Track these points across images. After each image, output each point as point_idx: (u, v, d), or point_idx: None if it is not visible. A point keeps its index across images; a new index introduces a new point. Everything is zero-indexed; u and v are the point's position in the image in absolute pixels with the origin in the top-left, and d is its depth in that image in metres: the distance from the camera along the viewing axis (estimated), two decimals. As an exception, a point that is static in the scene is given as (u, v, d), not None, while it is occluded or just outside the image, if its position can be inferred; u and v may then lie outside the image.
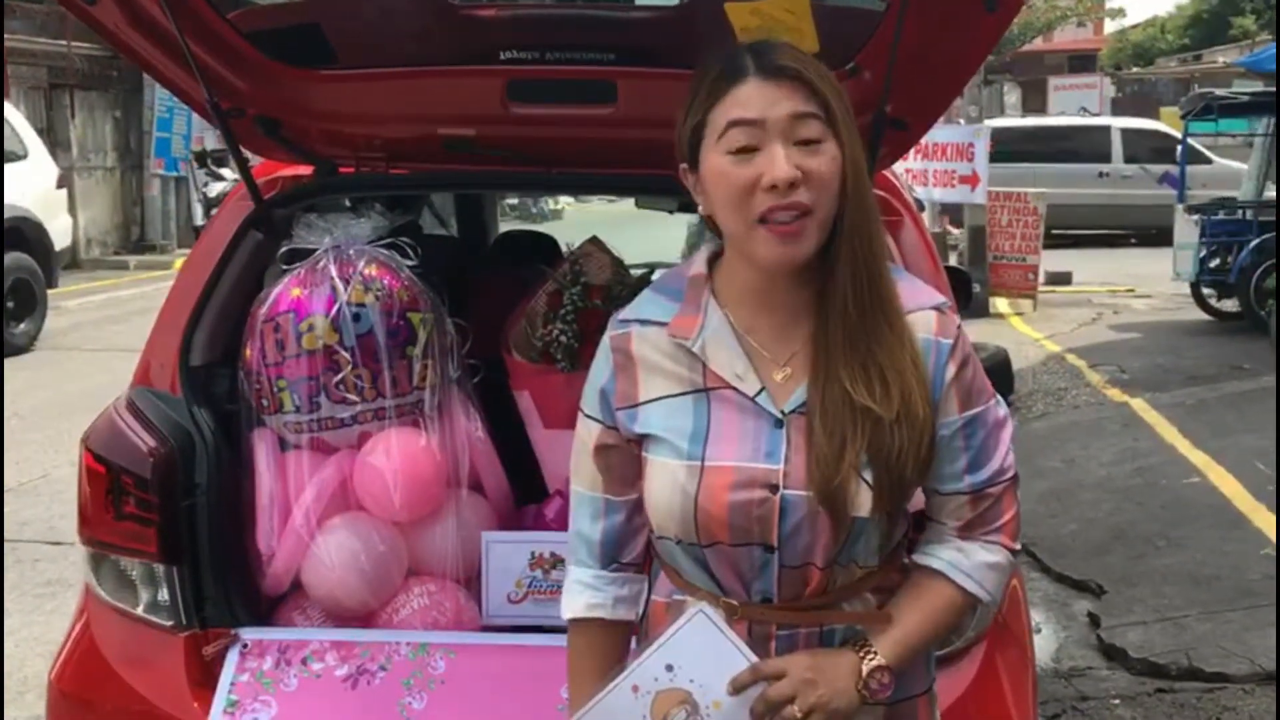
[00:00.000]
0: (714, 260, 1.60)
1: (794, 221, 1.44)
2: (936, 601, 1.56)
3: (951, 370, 1.53)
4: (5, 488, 6.05)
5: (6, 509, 5.73)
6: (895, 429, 1.47)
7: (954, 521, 1.57)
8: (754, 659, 1.50)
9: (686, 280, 1.59)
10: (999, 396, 1.61)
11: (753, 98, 1.45)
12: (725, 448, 1.50)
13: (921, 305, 1.55)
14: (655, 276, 2.88)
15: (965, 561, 1.56)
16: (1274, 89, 10.42)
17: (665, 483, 1.52)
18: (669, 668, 1.51)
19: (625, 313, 1.62)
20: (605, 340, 1.61)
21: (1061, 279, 13.03)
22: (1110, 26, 39.68)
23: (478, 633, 2.37)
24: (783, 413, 1.51)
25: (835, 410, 1.47)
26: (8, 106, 11.57)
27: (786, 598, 1.52)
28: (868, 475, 1.47)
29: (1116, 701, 3.80)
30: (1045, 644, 4.18)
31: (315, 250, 2.46)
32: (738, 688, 1.49)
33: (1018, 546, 1.60)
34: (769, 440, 1.50)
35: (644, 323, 1.58)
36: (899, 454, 1.47)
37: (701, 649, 1.50)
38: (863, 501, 1.47)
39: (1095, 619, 4.37)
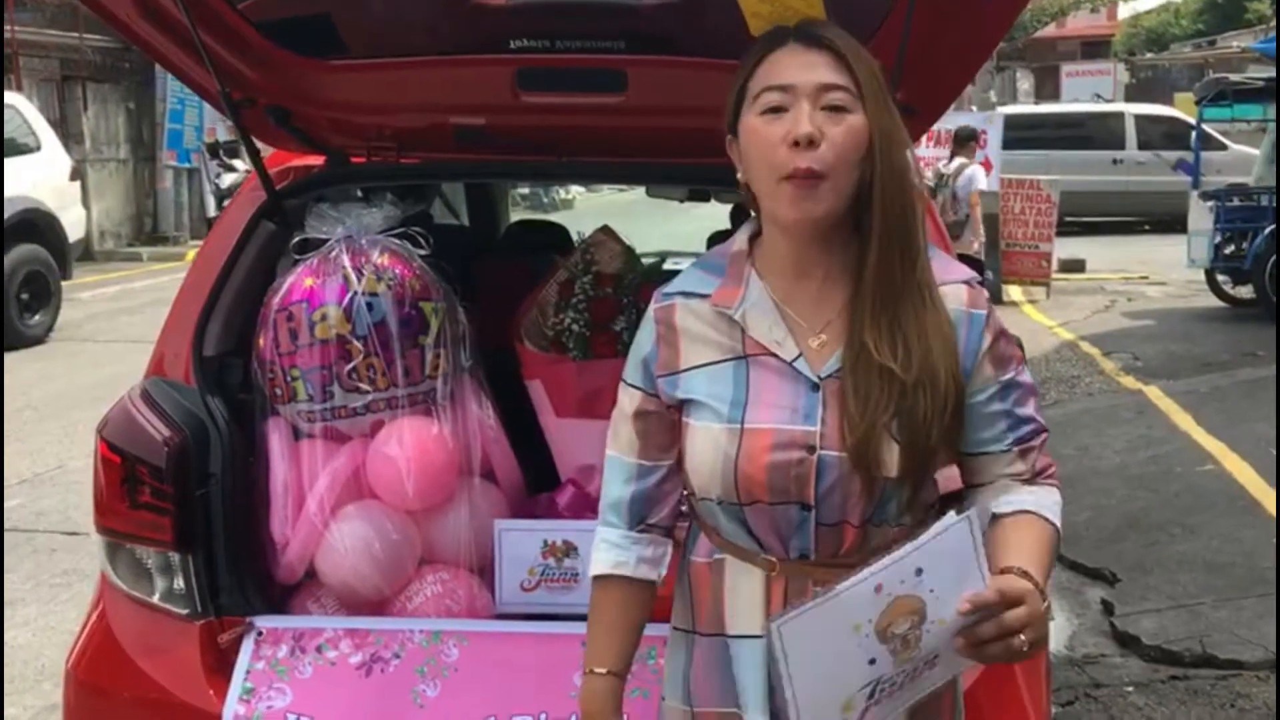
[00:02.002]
0: (754, 239, 1.66)
1: (809, 179, 1.50)
2: (1044, 539, 1.57)
3: (987, 340, 1.59)
4: (21, 479, 6.10)
5: (23, 500, 5.78)
6: (918, 392, 1.52)
7: (1014, 475, 1.63)
8: (991, 579, 1.42)
9: (729, 256, 1.66)
10: (1024, 359, 1.67)
11: (788, 64, 1.54)
12: (764, 411, 1.56)
13: (953, 279, 1.61)
14: (666, 265, 2.88)
15: (1046, 499, 1.62)
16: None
17: (707, 445, 1.58)
18: (919, 571, 1.40)
19: (669, 287, 1.68)
20: (649, 312, 1.68)
21: (1075, 266, 12.98)
22: (1124, 12, 39.47)
23: (491, 620, 2.38)
24: (819, 377, 1.57)
25: (865, 374, 1.53)
26: (21, 99, 11.62)
27: (823, 555, 1.58)
28: (898, 436, 1.52)
29: (1130, 689, 3.80)
30: (1059, 631, 4.17)
31: (328, 240, 2.47)
32: (979, 607, 1.40)
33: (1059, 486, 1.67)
34: (806, 403, 1.56)
35: (687, 295, 1.65)
36: (924, 417, 1.52)
37: (952, 559, 1.41)
38: (892, 462, 1.52)
39: (1109, 606, 4.36)
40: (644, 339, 1.68)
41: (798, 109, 1.51)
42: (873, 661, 1.40)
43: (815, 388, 1.56)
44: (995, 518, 1.62)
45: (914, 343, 1.53)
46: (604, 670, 1.65)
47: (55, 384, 8.38)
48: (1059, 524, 1.61)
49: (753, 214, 1.66)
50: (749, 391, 1.58)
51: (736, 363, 1.60)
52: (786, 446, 1.54)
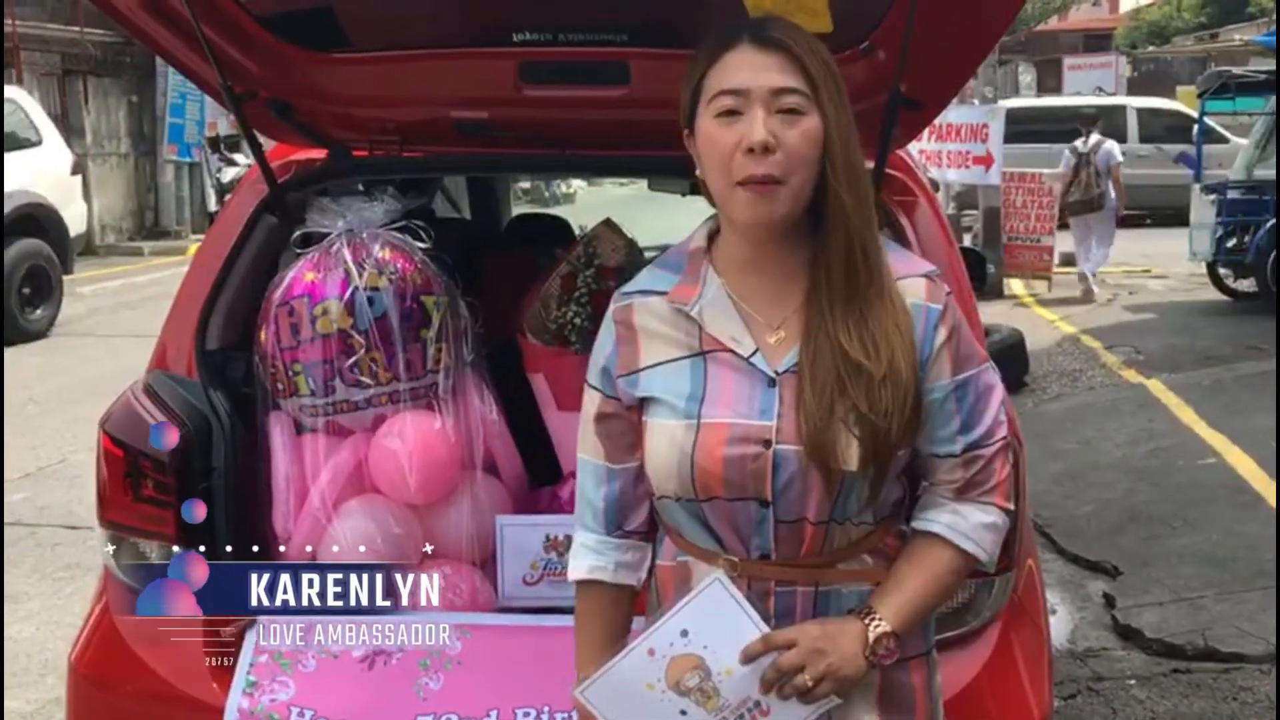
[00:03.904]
0: (713, 236, 1.67)
1: (766, 184, 1.51)
2: (937, 566, 1.61)
3: (942, 334, 1.59)
4: (24, 473, 6.11)
5: (26, 494, 5.78)
6: (881, 386, 1.52)
7: (948, 484, 1.62)
8: (765, 629, 1.55)
9: (687, 254, 1.66)
10: (991, 362, 1.66)
11: (741, 66, 1.54)
12: (721, 406, 1.57)
13: (912, 272, 1.61)
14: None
15: (962, 523, 1.61)
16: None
17: (663, 441, 1.59)
18: (684, 633, 1.56)
19: (627, 286, 1.69)
20: (609, 313, 1.69)
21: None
22: (1126, 5, 39.38)
23: (493, 614, 2.38)
24: (776, 372, 1.57)
25: (824, 368, 1.53)
26: (22, 93, 11.62)
27: (784, 555, 1.58)
28: (856, 430, 1.52)
29: (1132, 682, 3.80)
30: (1060, 625, 4.17)
31: (329, 234, 2.46)
32: (749, 657, 1.54)
33: (1011, 506, 1.65)
34: (762, 398, 1.56)
35: (644, 293, 1.66)
36: (885, 412, 1.52)
37: (716, 617, 1.55)
38: (851, 455, 1.52)
39: (1111, 600, 4.36)
40: (604, 341, 1.68)
41: (751, 115, 1.51)
42: (684, 713, 1.56)
43: (772, 383, 1.56)
44: (911, 530, 1.64)
45: (874, 337, 1.53)
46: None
47: (57, 378, 8.38)
48: (976, 548, 1.61)
49: (715, 212, 1.65)
50: (706, 387, 1.58)
51: (694, 359, 1.60)
52: (742, 441, 1.54)
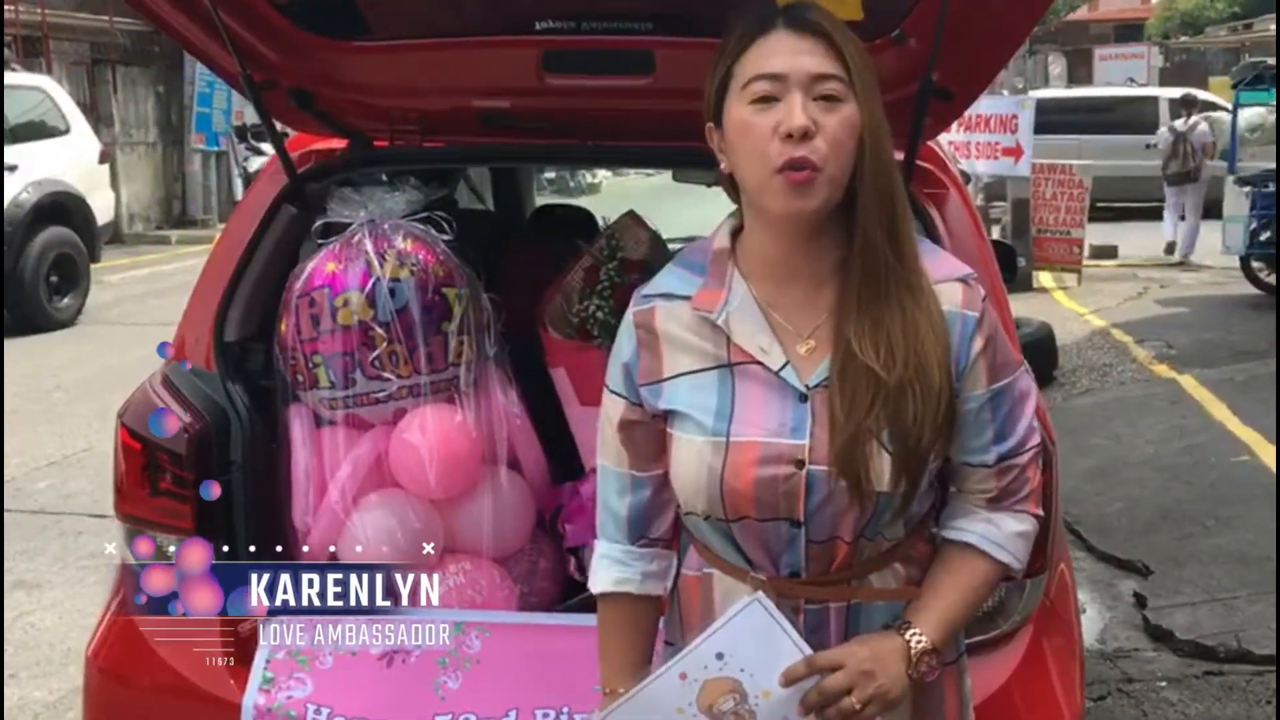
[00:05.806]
0: (736, 234, 1.59)
1: (804, 170, 1.44)
2: (973, 577, 1.57)
3: (979, 344, 1.52)
4: (50, 460, 6.14)
5: (52, 481, 5.82)
6: (908, 394, 1.46)
7: (981, 493, 1.58)
8: (808, 650, 1.49)
9: (710, 254, 1.58)
10: (1025, 365, 1.61)
11: (778, 51, 1.47)
12: (750, 424, 1.50)
13: (947, 276, 1.54)
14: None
15: (996, 533, 1.57)
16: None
17: (691, 459, 1.52)
18: (720, 656, 1.50)
19: (648, 288, 1.61)
20: (628, 316, 1.61)
21: (1107, 252, 12.83)
22: (1158, -6, 39.00)
23: (513, 612, 2.35)
24: (807, 387, 1.51)
25: (854, 381, 1.47)
26: (51, 82, 11.69)
27: (814, 572, 1.53)
28: (889, 446, 1.46)
29: (1163, 684, 3.74)
30: (1091, 625, 4.11)
31: (350, 224, 2.44)
32: (791, 680, 1.48)
33: (1042, 512, 1.62)
34: (794, 415, 1.50)
35: (667, 297, 1.58)
36: (914, 419, 1.46)
37: (754, 638, 1.49)
38: (883, 474, 1.46)
39: (1142, 599, 4.30)
40: (624, 344, 1.60)
41: (790, 100, 1.44)
42: None
43: (803, 398, 1.50)
44: (943, 540, 1.60)
45: (901, 341, 1.46)
46: (623, 690, 1.60)
47: (85, 366, 8.43)
48: (1011, 558, 1.57)
49: (736, 207, 1.59)
50: (734, 402, 1.51)
51: (721, 371, 1.53)
52: (774, 461, 1.48)
